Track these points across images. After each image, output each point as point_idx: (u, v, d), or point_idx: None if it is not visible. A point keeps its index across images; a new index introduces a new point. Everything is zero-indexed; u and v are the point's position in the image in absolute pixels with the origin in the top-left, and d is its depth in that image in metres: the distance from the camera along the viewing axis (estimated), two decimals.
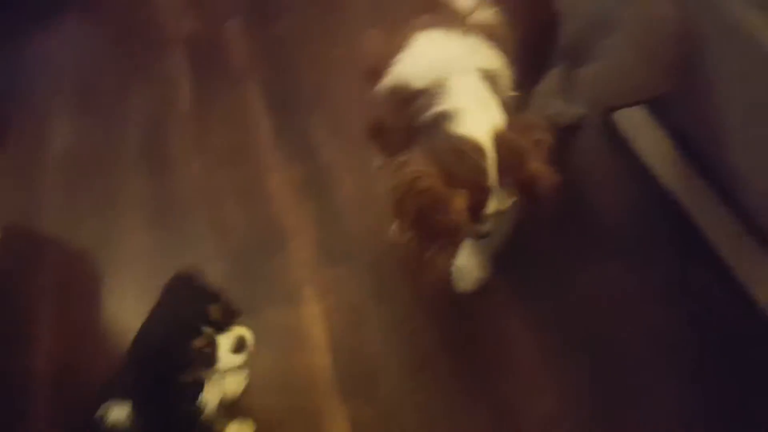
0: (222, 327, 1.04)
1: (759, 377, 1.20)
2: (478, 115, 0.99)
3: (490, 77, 1.03)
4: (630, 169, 1.53)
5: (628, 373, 1.24)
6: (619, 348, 1.27)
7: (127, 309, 1.47)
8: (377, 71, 1.10)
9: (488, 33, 1.09)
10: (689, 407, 1.19)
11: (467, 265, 1.37)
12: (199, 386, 1.08)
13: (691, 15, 1.32)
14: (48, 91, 2.00)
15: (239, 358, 1.06)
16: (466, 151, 0.97)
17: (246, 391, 1.20)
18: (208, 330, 1.02)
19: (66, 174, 1.78)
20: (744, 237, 1.32)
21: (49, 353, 1.42)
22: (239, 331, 1.06)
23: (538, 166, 0.99)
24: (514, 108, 1.06)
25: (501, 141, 0.97)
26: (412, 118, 1.02)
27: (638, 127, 1.56)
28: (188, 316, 1.03)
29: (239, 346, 1.05)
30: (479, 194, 0.98)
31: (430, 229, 1.01)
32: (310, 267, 1.48)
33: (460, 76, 1.01)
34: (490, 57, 1.07)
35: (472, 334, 1.34)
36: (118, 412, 1.08)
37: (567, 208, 1.42)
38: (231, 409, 1.22)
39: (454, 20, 1.09)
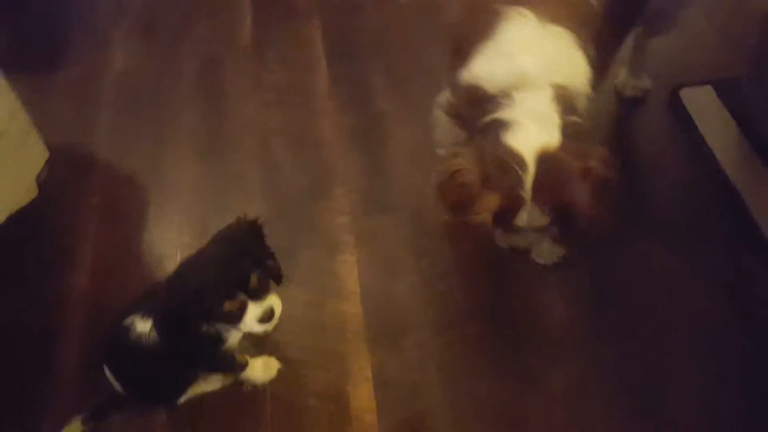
0: (257, 295, 1.05)
1: None
2: (531, 131, 1.00)
3: (562, 95, 1.03)
4: (689, 149, 1.49)
5: (660, 356, 1.22)
6: (654, 329, 1.25)
7: (167, 236, 1.49)
8: (461, 52, 1.11)
9: (577, 9, 1.07)
10: (717, 401, 1.15)
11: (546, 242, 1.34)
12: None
13: None
14: (111, 15, 2.01)
15: (263, 327, 1.07)
16: (508, 160, 0.99)
17: (275, 330, 1.18)
18: (242, 297, 1.04)
19: (121, 99, 1.79)
20: None
21: (87, 272, 1.43)
22: (271, 301, 1.07)
23: (579, 193, 0.98)
24: (583, 131, 1.05)
25: (546, 160, 0.98)
26: (478, 117, 1.05)
27: (704, 106, 1.52)
28: (229, 276, 1.03)
29: (267, 317, 1.06)
30: (511, 203, 1.00)
31: (463, 218, 1.04)
32: (352, 215, 1.47)
33: (530, 91, 1.02)
34: (569, 68, 1.06)
35: (505, 299, 1.33)
36: (145, 324, 1.09)
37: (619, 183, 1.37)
38: (258, 344, 1.22)
39: None
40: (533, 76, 1.02)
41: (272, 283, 1.10)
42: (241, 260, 1.04)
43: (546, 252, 1.31)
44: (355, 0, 1.91)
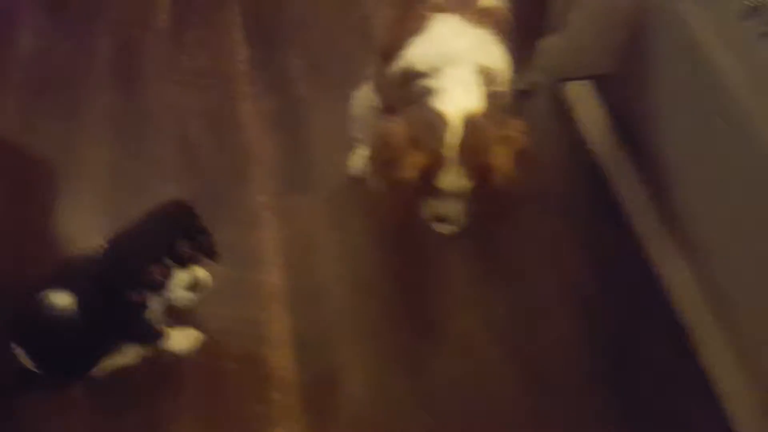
0: (185, 262, 1.09)
1: (639, 315, 1.38)
2: (456, 97, 1.09)
3: (485, 73, 1.13)
4: (568, 134, 1.68)
5: (535, 300, 1.40)
6: (531, 279, 1.43)
7: (80, 219, 1.49)
8: (391, 53, 1.20)
9: (493, 17, 1.20)
10: (580, 331, 1.35)
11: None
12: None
13: (640, 5, 1.45)
14: None
15: (189, 296, 1.11)
16: (434, 122, 1.07)
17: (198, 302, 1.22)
18: (168, 262, 1.07)
19: (30, 77, 1.75)
20: (652, 210, 1.48)
21: None
22: (199, 272, 1.11)
23: (499, 157, 1.08)
24: (505, 106, 1.16)
25: (470, 123, 1.07)
26: (409, 92, 1.13)
27: (581, 99, 1.71)
28: (158, 242, 1.07)
29: (194, 286, 1.10)
30: (435, 162, 1.08)
31: (391, 180, 1.12)
32: (271, 194, 1.53)
33: (457, 66, 1.12)
34: (491, 54, 1.17)
35: (412, 262, 1.46)
36: (62, 297, 1.10)
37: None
38: (179, 316, 1.25)
39: (466, 3, 1.19)
40: (460, 55, 1.12)
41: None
42: (171, 230, 1.08)
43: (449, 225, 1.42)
44: None
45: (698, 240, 1.36)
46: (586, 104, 1.70)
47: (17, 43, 1.81)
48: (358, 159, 1.50)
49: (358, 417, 1.23)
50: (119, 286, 1.07)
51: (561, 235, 1.50)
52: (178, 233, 1.08)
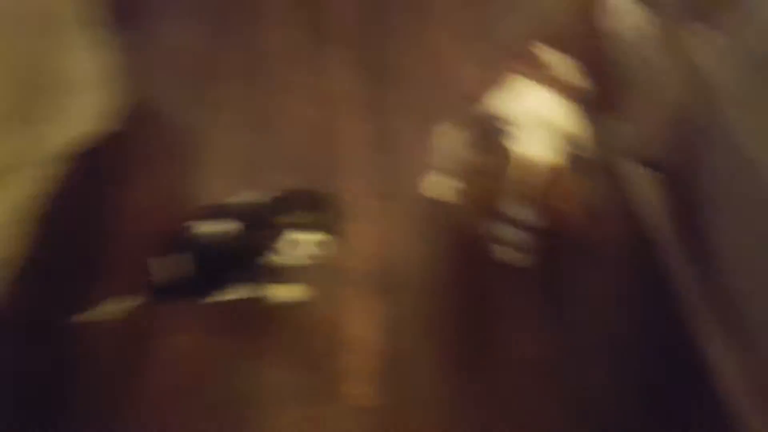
0: (303, 228, 1.35)
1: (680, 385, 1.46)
2: (531, 144, 1.35)
3: (556, 130, 1.38)
4: (625, 206, 1.79)
5: (583, 344, 1.52)
6: (580, 325, 1.55)
7: (211, 184, 1.77)
8: (472, 97, 1.49)
9: (567, 88, 1.44)
10: (619, 387, 1.45)
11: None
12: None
13: (693, 107, 1.60)
14: None
15: (295, 255, 1.35)
16: (509, 160, 1.35)
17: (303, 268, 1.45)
18: (281, 218, 1.35)
19: (176, 65, 2.09)
20: (699, 291, 1.54)
21: (140, 191, 1.72)
22: (312, 238, 1.35)
23: (558, 201, 1.33)
24: (570, 162, 1.39)
25: (538, 167, 1.33)
26: (491, 133, 1.38)
27: (638, 178, 1.83)
28: (296, 204, 1.39)
29: (302, 248, 1.35)
30: (505, 192, 1.35)
31: (471, 198, 1.41)
32: (367, 198, 1.77)
33: (534, 119, 1.37)
34: (564, 116, 1.39)
35: (479, 282, 1.63)
36: (215, 226, 1.37)
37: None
38: (288, 272, 1.47)
39: (542, 72, 1.45)
40: (538, 111, 1.39)
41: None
42: (311, 201, 1.39)
43: (512, 253, 1.65)
44: (389, 39, 2.27)
45: (743, 327, 1.39)
46: (642, 184, 1.80)
47: (164, 37, 2.16)
48: (435, 183, 1.75)
49: (418, 397, 1.40)
50: (255, 227, 1.34)
51: (611, 294, 1.61)
52: (316, 205, 1.38)
